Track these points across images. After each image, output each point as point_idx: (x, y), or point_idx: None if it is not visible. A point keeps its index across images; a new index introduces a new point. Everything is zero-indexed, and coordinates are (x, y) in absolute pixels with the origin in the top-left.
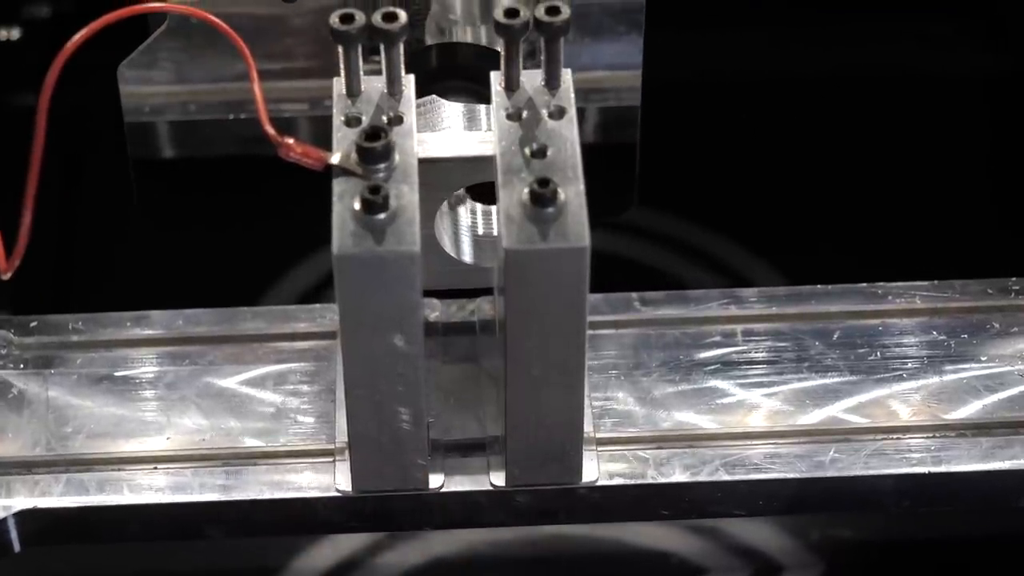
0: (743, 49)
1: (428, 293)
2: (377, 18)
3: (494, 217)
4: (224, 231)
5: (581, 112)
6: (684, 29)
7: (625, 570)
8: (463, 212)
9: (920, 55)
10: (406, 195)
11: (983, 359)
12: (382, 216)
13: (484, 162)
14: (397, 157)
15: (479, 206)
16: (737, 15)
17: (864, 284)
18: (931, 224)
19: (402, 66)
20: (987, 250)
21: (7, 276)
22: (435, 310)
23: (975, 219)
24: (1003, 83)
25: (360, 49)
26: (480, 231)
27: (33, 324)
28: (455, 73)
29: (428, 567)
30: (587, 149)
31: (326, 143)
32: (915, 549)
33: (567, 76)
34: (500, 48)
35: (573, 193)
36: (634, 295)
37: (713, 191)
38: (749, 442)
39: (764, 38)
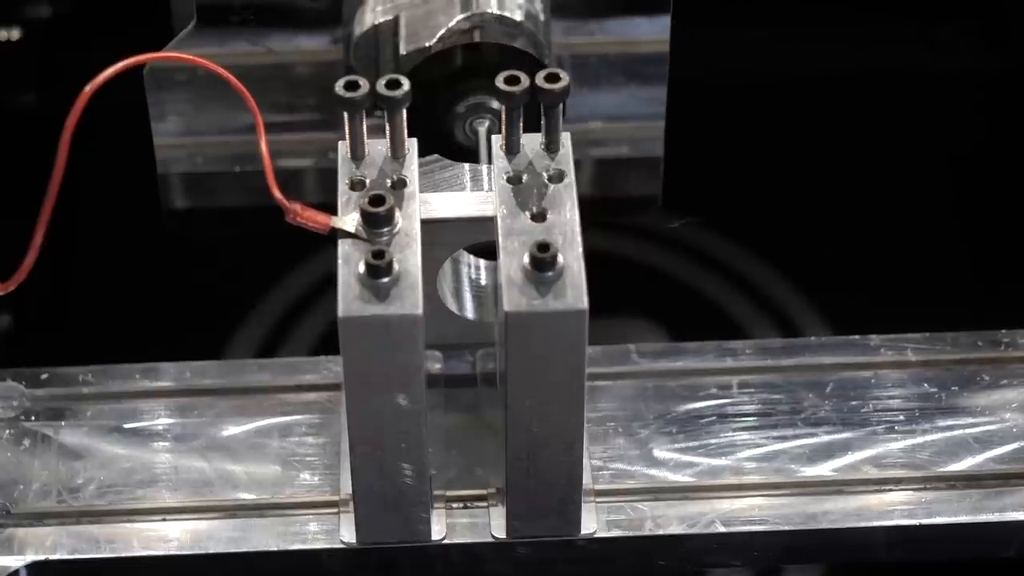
0: (737, 51)
1: (430, 347)
2: (381, 85)
3: (495, 272)
4: (230, 282)
5: (603, 162)
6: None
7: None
8: (465, 268)
9: (921, 58)
10: (409, 259)
11: (973, 411)
12: (386, 280)
13: (485, 222)
14: (400, 221)
15: (481, 262)
16: (733, 16)
17: (856, 336)
18: (925, 259)
19: (405, 130)
20: (978, 300)
21: (8, 290)
22: (438, 362)
23: (966, 267)
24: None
25: (364, 114)
26: (482, 285)
27: (43, 376)
28: (479, 72)
29: None
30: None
31: (331, 195)
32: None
33: (567, 140)
34: (501, 113)
35: (572, 257)
36: (631, 347)
37: (708, 195)
38: (744, 494)
39: (762, 40)
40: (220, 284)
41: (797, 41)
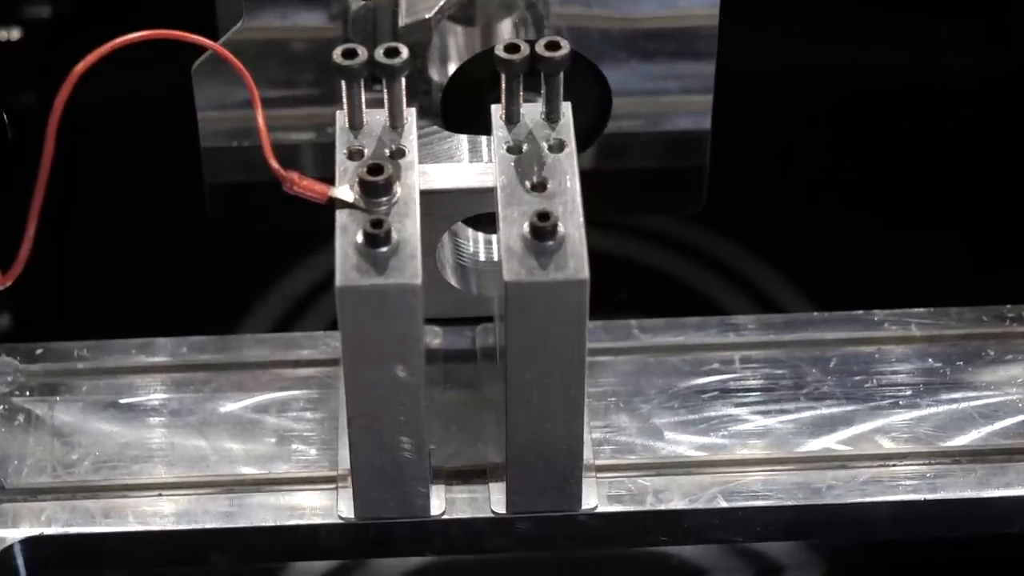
0: (732, 49)
1: (429, 321)
2: (379, 53)
3: (495, 245)
4: (227, 257)
5: (649, 136)
6: None
7: (626, 570)
8: (464, 240)
9: (919, 57)
10: (408, 228)
11: (978, 386)
12: (384, 249)
13: (485, 193)
14: (399, 190)
15: (480, 235)
16: (732, 15)
17: (860, 311)
18: (929, 238)
19: (404, 99)
20: (983, 276)
21: (7, 284)
22: (437, 337)
23: (970, 245)
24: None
25: (362, 82)
26: (481, 259)
27: (39, 351)
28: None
29: (429, 568)
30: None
31: (329, 171)
32: (916, 549)
33: (567, 109)
34: (501, 82)
35: (573, 226)
36: (633, 322)
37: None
38: (746, 469)
39: (757, 38)
40: (217, 262)
41: (792, 39)
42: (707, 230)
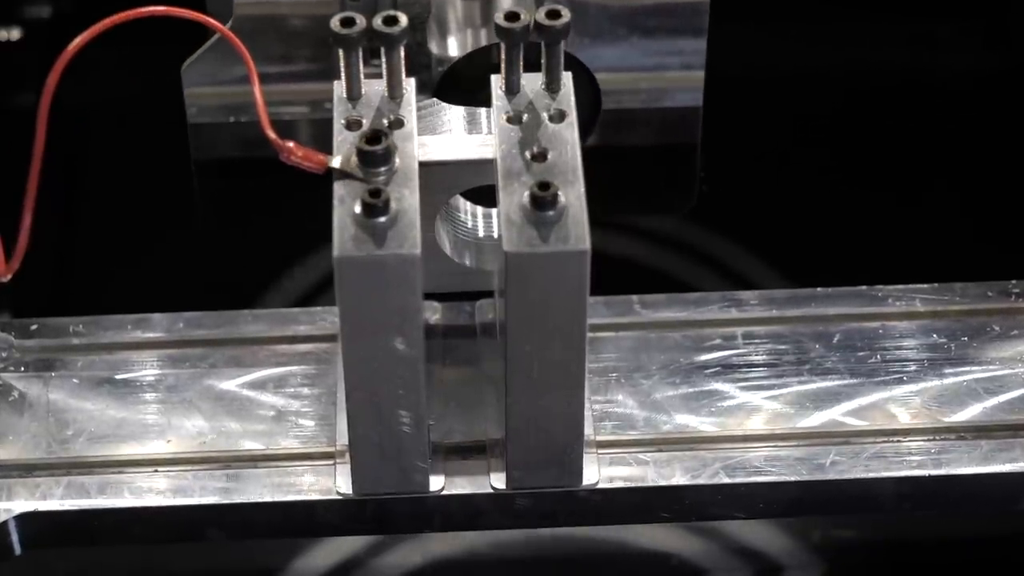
0: (730, 49)
1: (428, 296)
2: (378, 22)
3: (494, 220)
4: (225, 233)
5: (643, 112)
6: None
7: (625, 571)
8: (463, 215)
9: (920, 57)
10: (407, 198)
11: (983, 362)
12: (383, 219)
13: (485, 165)
14: (398, 160)
15: (479, 209)
16: (725, 14)
17: (864, 287)
18: (932, 226)
19: (403, 69)
20: (987, 252)
21: (7, 278)
22: (436, 312)
23: (976, 221)
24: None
25: (361, 52)
26: (480, 234)
27: (34, 327)
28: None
29: (428, 567)
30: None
31: (326, 146)
32: (916, 549)
33: (567, 79)
34: (501, 52)
35: (574, 196)
36: (634, 298)
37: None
38: (749, 445)
39: (757, 38)
40: (214, 237)
41: (791, 39)
42: (705, 226)
